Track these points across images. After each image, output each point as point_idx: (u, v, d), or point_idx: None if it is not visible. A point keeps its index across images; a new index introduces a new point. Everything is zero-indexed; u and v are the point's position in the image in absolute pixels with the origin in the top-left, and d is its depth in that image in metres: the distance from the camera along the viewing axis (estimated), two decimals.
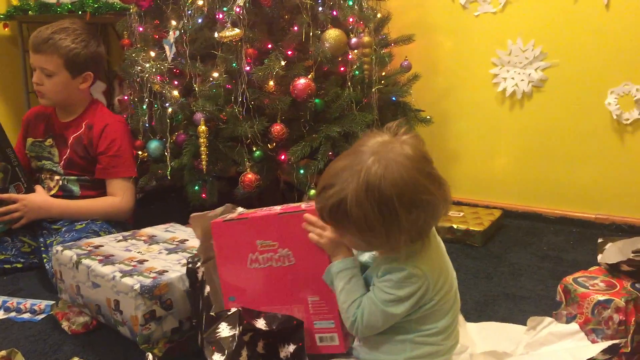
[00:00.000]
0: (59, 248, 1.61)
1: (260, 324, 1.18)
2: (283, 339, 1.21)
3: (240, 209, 1.42)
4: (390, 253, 1.10)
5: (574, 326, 1.37)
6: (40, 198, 1.96)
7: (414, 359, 1.10)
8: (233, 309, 1.22)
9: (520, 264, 1.97)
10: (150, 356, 1.33)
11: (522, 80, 2.43)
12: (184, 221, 1.60)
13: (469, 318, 1.54)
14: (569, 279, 1.47)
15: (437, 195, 1.03)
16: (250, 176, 1.92)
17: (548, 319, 1.43)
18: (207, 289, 1.32)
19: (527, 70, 2.41)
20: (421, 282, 1.07)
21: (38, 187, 1.99)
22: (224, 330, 1.17)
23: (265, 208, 1.34)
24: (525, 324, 1.46)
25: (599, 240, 1.93)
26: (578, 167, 2.39)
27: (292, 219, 1.23)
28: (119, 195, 2.01)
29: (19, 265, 1.94)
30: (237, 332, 1.15)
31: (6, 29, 2.71)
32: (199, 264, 1.35)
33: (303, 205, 1.25)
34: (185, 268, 1.39)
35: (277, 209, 1.29)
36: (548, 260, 2.01)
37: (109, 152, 2.02)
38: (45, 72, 1.95)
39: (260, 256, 1.26)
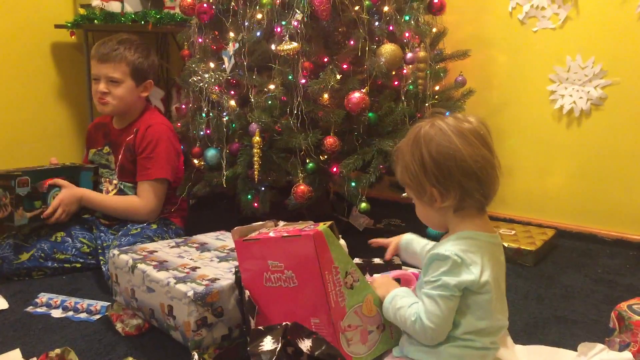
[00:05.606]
0: (116, 252, 1.67)
1: (305, 345, 1.17)
2: None
3: (281, 224, 1.44)
4: (440, 221, 1.20)
5: (627, 355, 1.34)
6: (72, 189, 2.03)
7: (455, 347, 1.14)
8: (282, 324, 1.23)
9: (573, 286, 1.93)
10: (195, 355, 1.36)
11: (581, 97, 2.38)
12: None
13: (517, 340, 1.51)
14: (623, 305, 1.44)
15: (481, 163, 1.10)
16: (302, 187, 1.94)
17: (600, 346, 1.40)
18: (247, 292, 1.36)
19: (586, 87, 2.36)
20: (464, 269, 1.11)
21: (63, 182, 2.03)
22: (267, 343, 1.18)
23: (283, 227, 1.36)
24: (576, 349, 1.43)
25: None
26: (637, 188, 2.32)
27: (292, 242, 1.23)
28: (142, 197, 2.08)
29: (78, 265, 2.02)
30: (278, 346, 1.16)
31: (72, 37, 2.82)
32: None
33: (307, 227, 1.25)
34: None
35: (291, 228, 1.31)
36: (602, 283, 1.95)
37: (144, 153, 2.09)
38: (112, 80, 2.04)
39: (272, 275, 1.29)
